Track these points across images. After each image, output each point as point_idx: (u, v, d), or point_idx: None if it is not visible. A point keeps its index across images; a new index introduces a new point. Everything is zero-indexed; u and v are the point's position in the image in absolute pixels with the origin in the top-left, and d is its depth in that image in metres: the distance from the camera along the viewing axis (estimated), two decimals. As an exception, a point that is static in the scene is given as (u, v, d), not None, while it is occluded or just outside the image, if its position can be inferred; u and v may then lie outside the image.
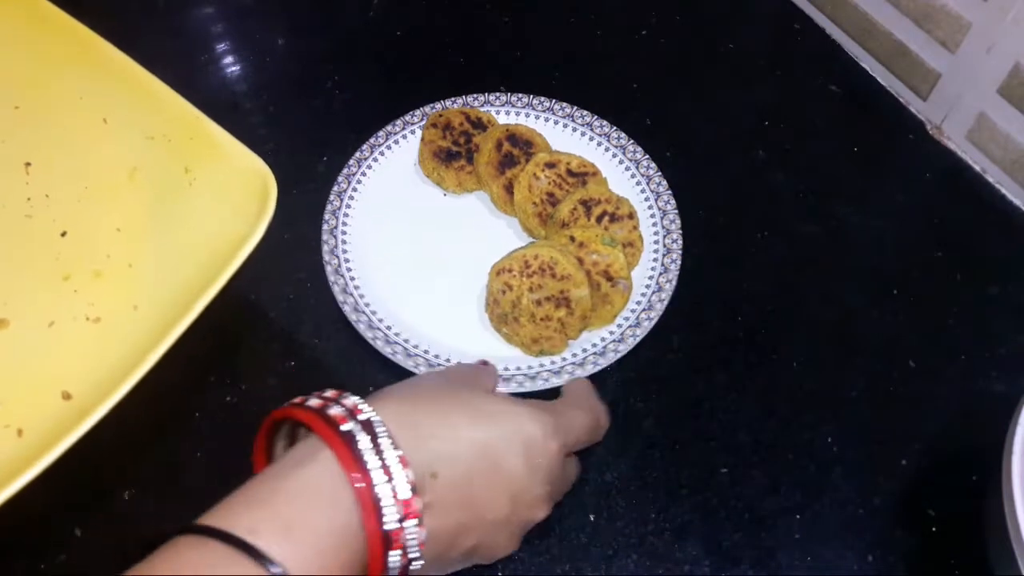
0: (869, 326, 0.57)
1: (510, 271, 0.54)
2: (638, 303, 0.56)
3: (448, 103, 0.64)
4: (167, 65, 0.70)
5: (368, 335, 0.54)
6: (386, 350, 0.53)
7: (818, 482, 0.51)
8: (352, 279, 0.56)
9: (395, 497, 0.33)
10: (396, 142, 0.63)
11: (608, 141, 0.63)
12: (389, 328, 0.55)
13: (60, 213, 0.56)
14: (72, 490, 0.50)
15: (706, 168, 0.64)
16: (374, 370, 0.54)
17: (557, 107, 0.65)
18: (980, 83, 0.61)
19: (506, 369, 0.53)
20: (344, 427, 0.34)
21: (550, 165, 0.59)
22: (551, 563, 0.48)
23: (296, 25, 0.73)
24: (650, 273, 0.57)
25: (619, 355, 0.53)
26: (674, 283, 0.56)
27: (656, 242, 0.58)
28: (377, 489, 0.33)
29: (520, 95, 0.65)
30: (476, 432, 0.38)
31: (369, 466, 0.33)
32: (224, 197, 0.51)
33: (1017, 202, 0.63)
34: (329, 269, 0.56)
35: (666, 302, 0.55)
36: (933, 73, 0.65)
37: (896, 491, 0.50)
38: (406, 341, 0.54)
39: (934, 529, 0.49)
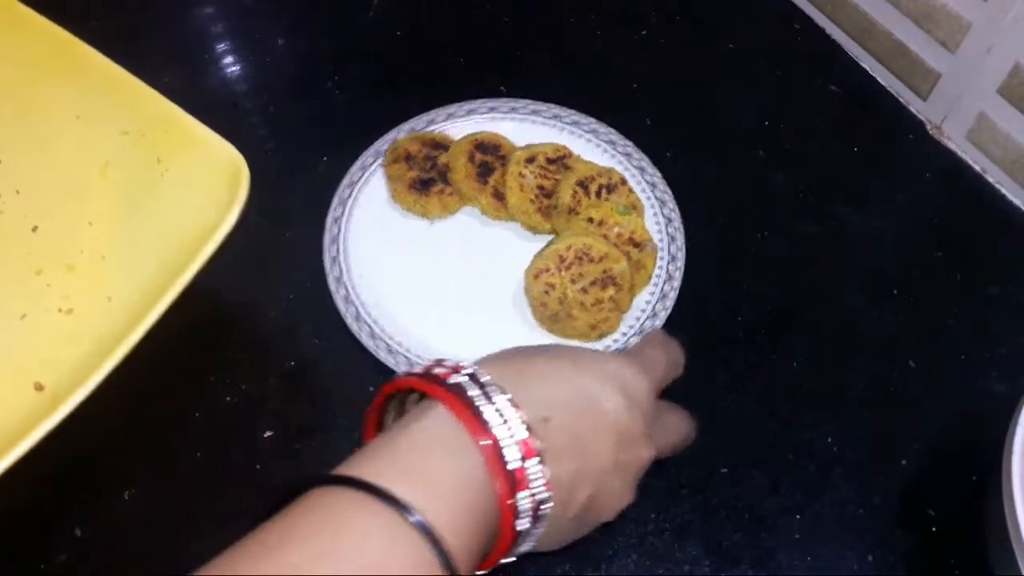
0: (869, 326, 0.57)
1: (547, 270, 0.54)
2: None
3: (404, 129, 0.63)
4: (167, 65, 0.70)
5: (389, 360, 0.53)
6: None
7: (818, 482, 0.51)
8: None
9: (512, 438, 0.33)
10: (360, 190, 0.60)
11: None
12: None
13: (31, 209, 0.56)
14: (72, 490, 0.50)
15: (706, 168, 0.64)
16: (374, 371, 0.54)
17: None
18: (980, 83, 0.61)
19: None
20: (451, 380, 0.34)
21: (530, 160, 0.59)
22: (551, 564, 0.48)
23: (296, 25, 0.73)
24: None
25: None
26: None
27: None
28: (495, 431, 0.33)
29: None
30: (578, 377, 0.37)
31: (483, 411, 0.33)
32: (197, 187, 0.51)
33: (1017, 202, 0.63)
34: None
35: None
36: (933, 73, 0.65)
37: (896, 491, 0.50)
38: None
39: (934, 529, 0.49)
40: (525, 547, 0.36)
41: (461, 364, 0.36)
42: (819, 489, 0.51)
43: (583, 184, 0.58)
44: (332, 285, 0.56)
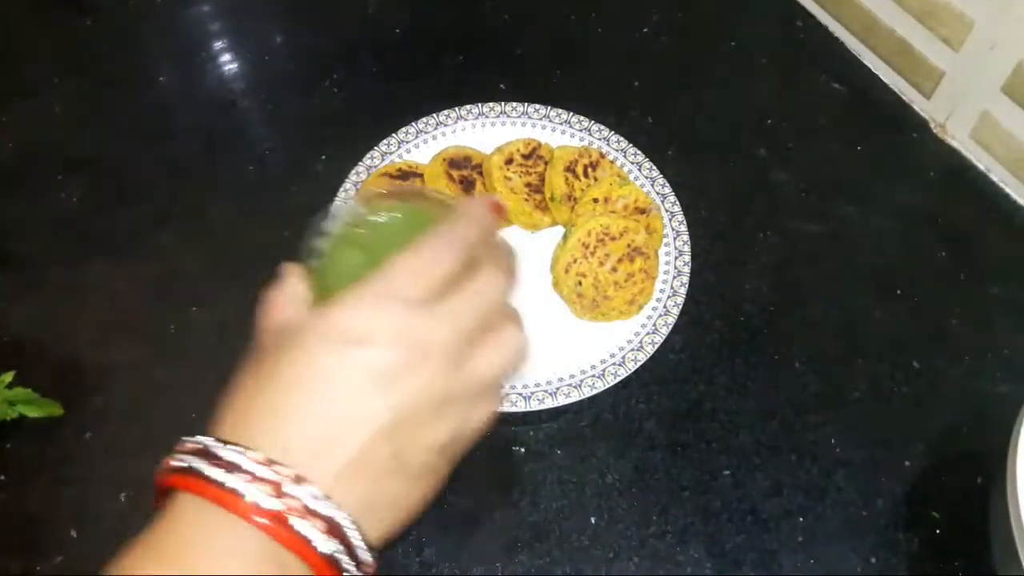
0: (872, 327, 0.57)
1: (575, 261, 0.55)
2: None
3: (375, 155, 0.61)
4: (164, 63, 0.70)
5: None
6: None
7: (821, 484, 0.50)
8: None
9: (256, 479, 0.31)
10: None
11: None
12: None
13: None
14: (68, 492, 0.49)
15: (708, 167, 0.64)
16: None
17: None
18: (984, 81, 0.61)
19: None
20: (178, 464, 0.33)
21: (508, 162, 0.59)
22: (551, 565, 0.47)
23: (295, 23, 0.73)
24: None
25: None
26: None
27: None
28: (231, 486, 0.31)
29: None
30: (306, 369, 0.35)
31: (214, 478, 0.32)
32: None
33: (1021, 201, 0.62)
34: None
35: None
36: (936, 71, 0.64)
37: (899, 493, 0.50)
38: None
39: (937, 531, 0.49)
40: (363, 544, 0.34)
41: (190, 441, 0.34)
42: (822, 491, 0.50)
43: (570, 169, 0.58)
44: None
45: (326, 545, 0.32)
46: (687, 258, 0.57)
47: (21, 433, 0.51)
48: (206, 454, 0.33)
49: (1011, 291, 0.58)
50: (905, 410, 0.53)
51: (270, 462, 0.32)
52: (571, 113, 0.64)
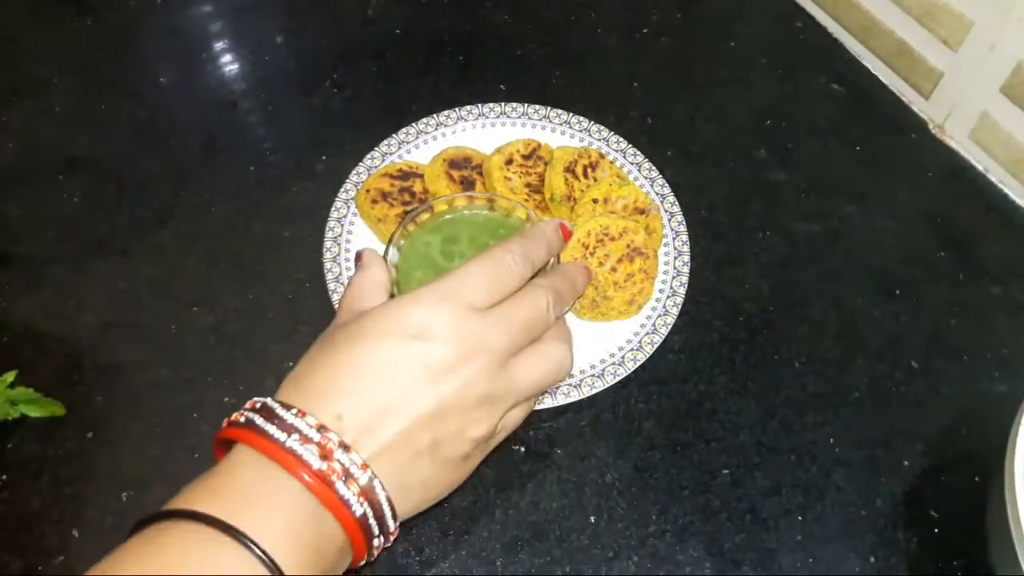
0: (871, 326, 0.57)
1: (574, 261, 0.54)
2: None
3: (369, 165, 0.61)
4: (165, 63, 0.70)
5: None
6: None
7: (820, 483, 0.51)
8: None
9: (304, 445, 0.35)
10: (350, 231, 0.58)
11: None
12: None
13: None
14: (69, 491, 0.50)
15: (707, 167, 0.64)
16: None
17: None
18: (983, 82, 0.61)
19: None
20: (242, 419, 0.37)
21: (508, 162, 0.59)
22: (551, 565, 0.48)
23: (295, 23, 0.73)
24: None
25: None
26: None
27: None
28: (288, 445, 0.35)
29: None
30: (370, 353, 0.39)
31: (271, 434, 0.36)
32: None
33: (1020, 201, 0.62)
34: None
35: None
36: (935, 72, 0.65)
37: (898, 492, 0.50)
38: None
39: (936, 530, 0.49)
40: (391, 514, 0.38)
41: (256, 401, 0.38)
42: (821, 490, 0.50)
43: (570, 169, 0.58)
44: (331, 285, 0.56)
45: (360, 508, 0.36)
46: (686, 258, 0.57)
47: (22, 433, 0.51)
48: (268, 413, 0.37)
49: (1010, 291, 0.58)
50: (904, 410, 0.53)
51: (323, 428, 0.36)
52: (571, 114, 0.64)
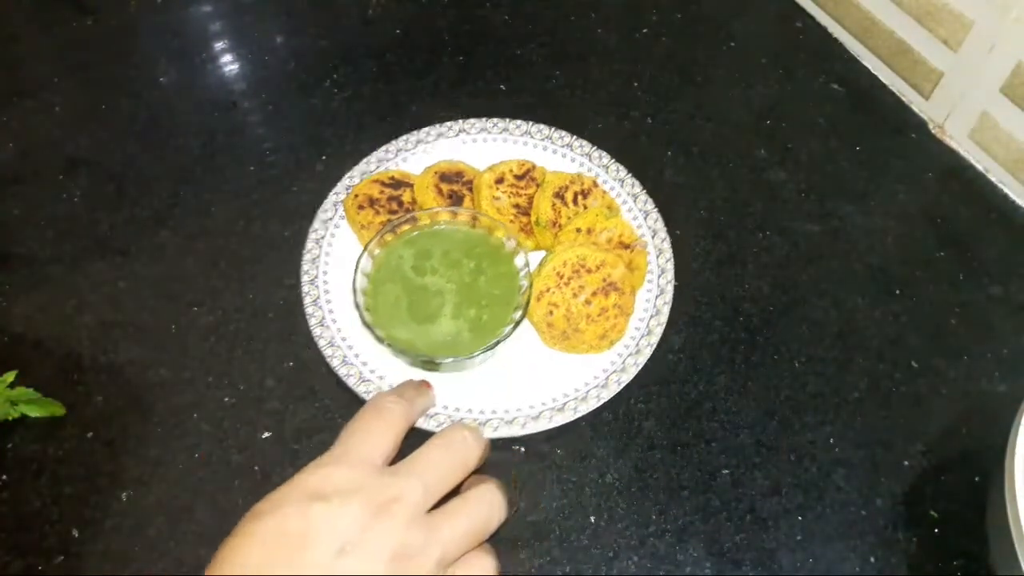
0: (871, 326, 0.57)
1: (548, 290, 0.53)
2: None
3: (372, 160, 0.61)
4: (165, 64, 0.70)
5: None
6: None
7: (820, 483, 0.51)
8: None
9: None
10: (333, 234, 0.58)
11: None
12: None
13: None
14: (69, 491, 0.50)
15: (707, 167, 0.64)
16: (373, 370, 0.54)
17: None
18: (983, 82, 0.61)
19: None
20: None
21: (499, 181, 0.58)
22: (551, 565, 0.48)
23: (295, 24, 0.73)
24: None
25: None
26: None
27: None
28: None
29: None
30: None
31: None
32: None
33: (1020, 202, 0.62)
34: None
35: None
36: (935, 72, 0.65)
37: (898, 492, 0.50)
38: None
39: (936, 530, 0.49)
40: None
41: None
42: (821, 490, 0.50)
43: (559, 195, 0.57)
44: (305, 288, 0.55)
45: None
46: (668, 297, 0.55)
47: (22, 433, 0.51)
48: None
49: (1010, 291, 0.58)
50: (904, 410, 0.53)
51: None
52: (573, 136, 0.63)
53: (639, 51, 0.71)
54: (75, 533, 0.48)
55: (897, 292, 0.58)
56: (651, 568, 0.48)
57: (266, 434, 0.52)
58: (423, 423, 0.50)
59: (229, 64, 0.70)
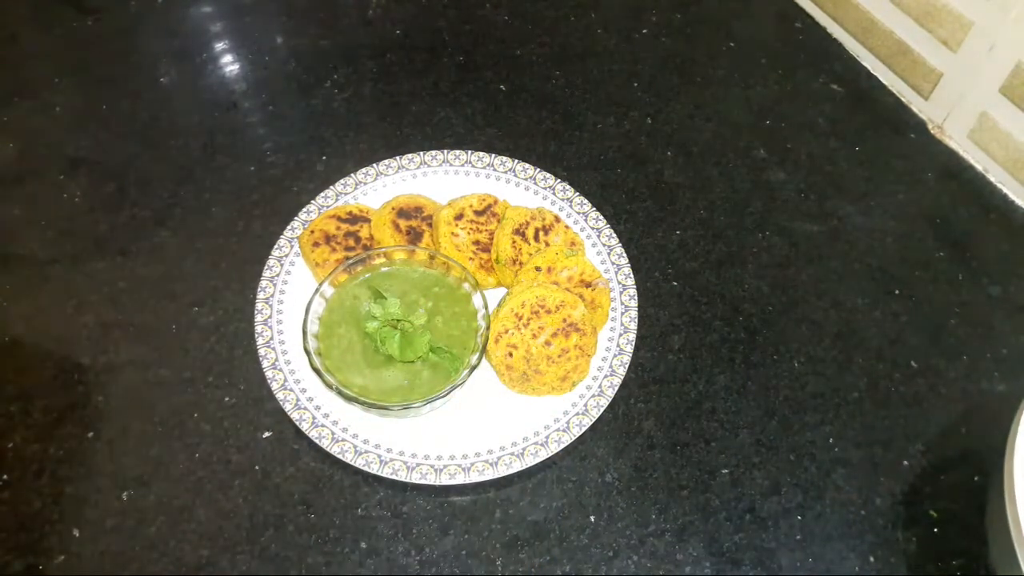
0: (870, 326, 0.57)
1: (506, 332, 0.52)
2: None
3: (329, 195, 0.59)
4: (166, 64, 0.70)
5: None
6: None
7: (819, 483, 0.51)
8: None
9: None
10: (288, 271, 0.57)
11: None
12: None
13: None
14: (70, 491, 0.50)
15: (707, 167, 0.64)
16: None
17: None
18: (982, 82, 0.61)
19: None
20: None
21: (458, 217, 0.56)
22: (551, 564, 0.48)
23: (295, 24, 0.73)
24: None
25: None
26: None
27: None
28: None
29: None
30: None
31: None
32: None
33: (1019, 202, 0.62)
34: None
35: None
36: (935, 72, 0.65)
37: (898, 492, 0.50)
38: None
39: (935, 529, 0.49)
40: None
41: None
42: (820, 490, 0.50)
43: (520, 232, 0.55)
44: (259, 328, 0.53)
45: None
46: (632, 336, 0.54)
47: (23, 433, 0.51)
48: None
49: (1009, 291, 0.58)
50: (904, 409, 0.53)
51: None
52: (537, 169, 0.61)
53: (639, 51, 0.71)
54: (75, 533, 0.48)
55: (896, 292, 0.58)
56: (651, 567, 0.48)
57: (267, 433, 0.52)
58: (360, 463, 0.49)
59: (229, 64, 0.70)
